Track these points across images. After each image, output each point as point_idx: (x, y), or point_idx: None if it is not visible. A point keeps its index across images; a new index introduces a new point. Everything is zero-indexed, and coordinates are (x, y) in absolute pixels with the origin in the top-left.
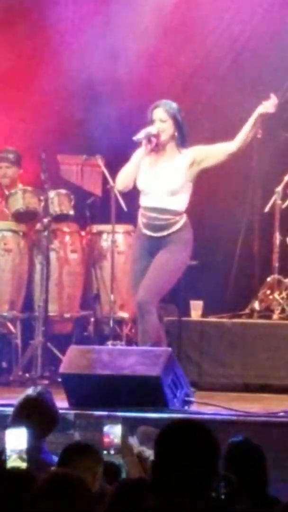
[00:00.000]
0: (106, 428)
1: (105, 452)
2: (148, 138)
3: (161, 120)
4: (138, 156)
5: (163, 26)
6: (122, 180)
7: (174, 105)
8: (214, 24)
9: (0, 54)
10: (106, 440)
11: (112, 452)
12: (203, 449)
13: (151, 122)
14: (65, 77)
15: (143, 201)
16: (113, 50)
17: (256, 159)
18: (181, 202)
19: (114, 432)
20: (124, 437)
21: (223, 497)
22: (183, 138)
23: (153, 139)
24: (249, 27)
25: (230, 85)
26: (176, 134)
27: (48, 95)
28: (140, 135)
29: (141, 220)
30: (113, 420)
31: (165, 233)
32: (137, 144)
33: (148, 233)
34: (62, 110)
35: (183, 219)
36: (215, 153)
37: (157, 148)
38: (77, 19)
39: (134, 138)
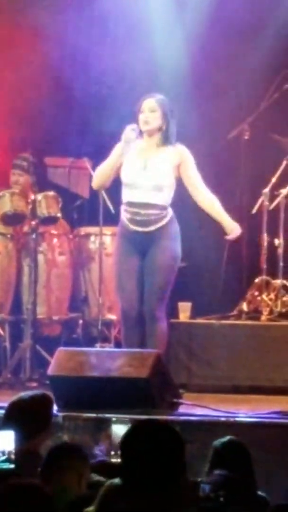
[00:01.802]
0: (114, 428)
1: (113, 452)
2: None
3: (150, 109)
4: (116, 153)
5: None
6: (98, 178)
7: (165, 99)
8: None
9: None
10: (115, 440)
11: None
12: (169, 448)
13: (139, 112)
14: (52, 80)
15: (127, 196)
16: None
17: (244, 160)
18: (166, 196)
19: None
20: None
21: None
22: (170, 133)
23: (136, 133)
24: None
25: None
26: (163, 127)
27: (34, 97)
28: (126, 135)
29: (125, 216)
30: (121, 420)
31: (152, 228)
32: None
33: (135, 228)
34: (50, 112)
35: (169, 213)
36: (187, 180)
37: (142, 137)
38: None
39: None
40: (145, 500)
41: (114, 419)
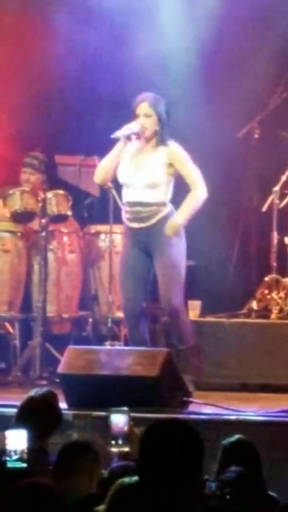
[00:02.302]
0: (113, 417)
1: (113, 441)
2: (128, 136)
3: (145, 115)
4: (118, 148)
5: None
6: (99, 173)
7: (160, 98)
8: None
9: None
10: (114, 429)
11: (120, 442)
12: (188, 449)
13: (135, 116)
14: (62, 77)
15: (125, 195)
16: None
17: (254, 158)
18: (162, 194)
19: (121, 421)
20: (131, 425)
21: (228, 497)
22: (166, 134)
23: (133, 137)
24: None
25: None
26: (158, 130)
27: (45, 95)
28: (119, 133)
29: (125, 216)
30: (119, 409)
31: (150, 222)
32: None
33: (134, 225)
34: (60, 110)
35: (168, 208)
36: (183, 179)
37: (139, 140)
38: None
39: (112, 136)
40: (160, 499)
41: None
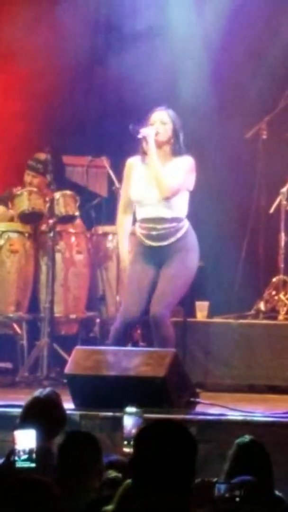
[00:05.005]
0: (125, 419)
1: (125, 442)
2: (145, 138)
3: (162, 121)
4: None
5: None
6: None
7: (175, 113)
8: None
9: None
10: (126, 430)
11: (132, 443)
12: (181, 449)
13: (149, 125)
14: (73, 79)
15: (140, 213)
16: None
17: (261, 160)
18: (177, 208)
19: (133, 422)
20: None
21: (237, 499)
22: (179, 145)
23: (145, 141)
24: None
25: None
26: (173, 140)
27: (53, 95)
28: (145, 131)
29: (139, 232)
30: (133, 410)
31: (167, 242)
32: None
33: (151, 243)
34: (69, 111)
35: (185, 225)
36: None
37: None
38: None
39: (139, 135)
40: (154, 499)
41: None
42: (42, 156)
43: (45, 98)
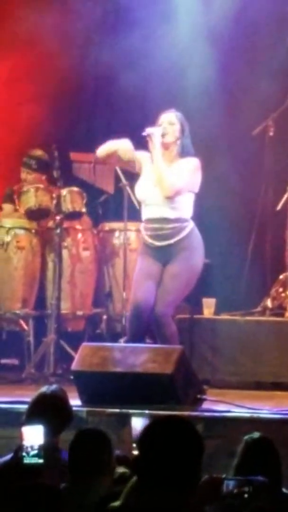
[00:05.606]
0: (133, 421)
1: (134, 445)
2: (150, 136)
3: (170, 122)
4: (130, 147)
5: None
6: (103, 148)
7: (182, 115)
8: None
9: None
10: (134, 432)
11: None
12: (187, 445)
13: (158, 125)
14: (80, 76)
15: (145, 213)
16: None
17: (268, 157)
18: (181, 209)
19: (141, 424)
20: None
21: (246, 496)
22: (186, 147)
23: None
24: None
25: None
26: (179, 141)
27: (62, 93)
28: (151, 129)
29: (145, 233)
30: (140, 412)
31: (172, 241)
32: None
33: (156, 243)
34: (76, 107)
35: (189, 225)
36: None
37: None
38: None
39: (144, 132)
40: (160, 496)
41: (133, 412)
42: (37, 152)
43: (53, 95)
